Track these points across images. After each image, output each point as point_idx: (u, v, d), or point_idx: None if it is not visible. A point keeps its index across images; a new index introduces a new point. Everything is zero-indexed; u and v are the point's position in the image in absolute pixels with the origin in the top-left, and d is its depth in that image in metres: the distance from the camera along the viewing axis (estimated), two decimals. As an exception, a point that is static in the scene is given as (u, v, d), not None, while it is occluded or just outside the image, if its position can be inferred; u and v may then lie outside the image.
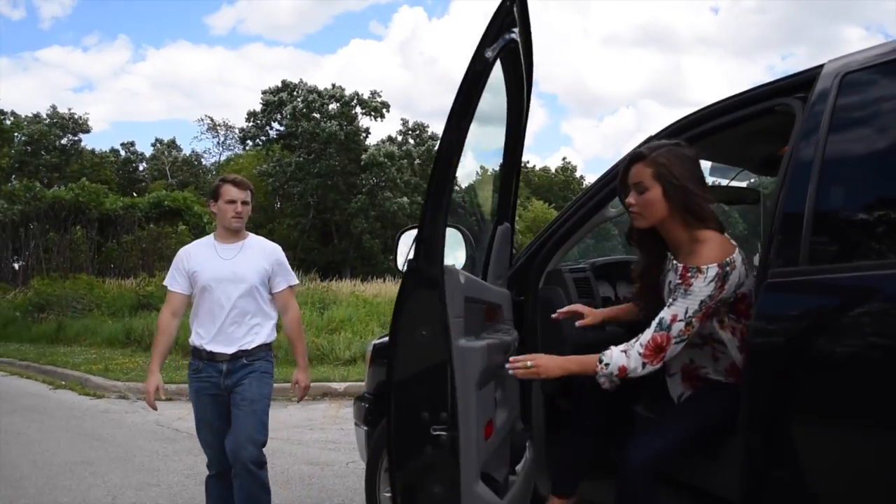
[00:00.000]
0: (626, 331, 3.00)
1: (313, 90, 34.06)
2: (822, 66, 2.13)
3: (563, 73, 76.26)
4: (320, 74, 71.70)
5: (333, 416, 7.34)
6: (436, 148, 2.19)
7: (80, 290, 17.23)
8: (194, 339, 3.34)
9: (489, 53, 2.04)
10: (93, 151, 37.83)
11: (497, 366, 2.32)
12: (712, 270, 2.09)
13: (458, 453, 1.99)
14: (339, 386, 8.61)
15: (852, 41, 67.40)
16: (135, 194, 33.01)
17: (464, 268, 2.95)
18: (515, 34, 2.23)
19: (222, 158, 42.35)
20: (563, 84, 76.98)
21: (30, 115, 35.64)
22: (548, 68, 74.51)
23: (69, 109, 36.67)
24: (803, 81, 2.18)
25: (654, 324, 2.14)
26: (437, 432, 1.96)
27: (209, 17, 73.72)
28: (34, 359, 12.08)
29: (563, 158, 52.96)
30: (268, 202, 34.47)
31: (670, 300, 2.16)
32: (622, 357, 2.15)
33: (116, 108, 66.68)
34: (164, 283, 3.45)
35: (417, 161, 33.93)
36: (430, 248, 2.00)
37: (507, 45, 2.15)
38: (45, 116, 35.84)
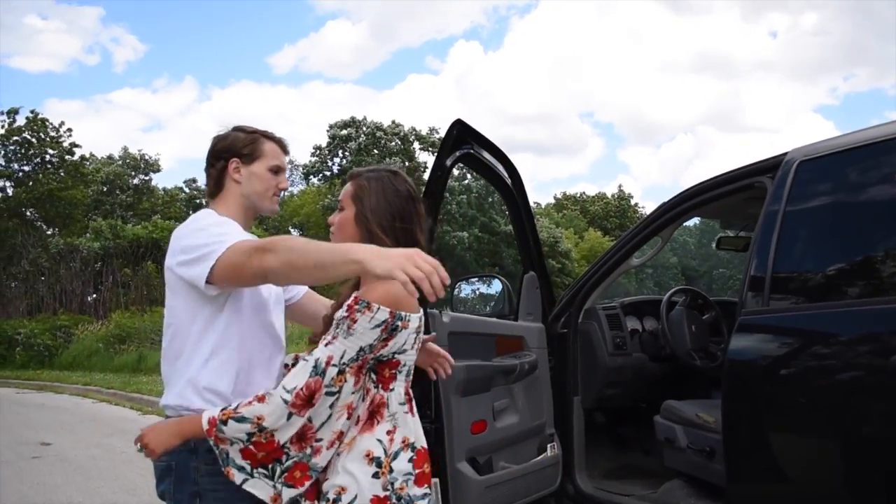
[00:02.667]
0: (650, 357, 3.66)
1: (378, 126, 35.32)
2: (786, 153, 2.76)
3: (620, 101, 76.52)
4: (377, 110, 73.47)
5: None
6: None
7: (158, 323, 18.31)
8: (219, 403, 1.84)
9: (448, 162, 2.94)
10: (164, 190, 39.79)
11: (495, 382, 3.08)
12: (382, 314, 1.71)
13: (443, 441, 2.74)
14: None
15: (917, 59, 65.99)
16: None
17: (503, 308, 3.62)
18: (469, 147, 3.07)
19: (285, 195, 43.80)
20: (620, 112, 77.23)
21: (104, 156, 37.79)
22: (604, 97, 74.96)
23: (139, 150, 38.71)
24: (772, 164, 2.80)
25: (308, 363, 1.71)
26: (425, 424, 2.76)
27: (271, 56, 76.56)
28: (119, 387, 13.07)
29: (619, 186, 53.12)
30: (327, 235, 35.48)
31: (329, 337, 1.74)
32: (258, 407, 1.68)
33: (183, 146, 69.61)
34: (227, 244, 1.80)
35: (475, 194, 34.74)
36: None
37: (464, 155, 3.04)
38: (117, 158, 37.96)
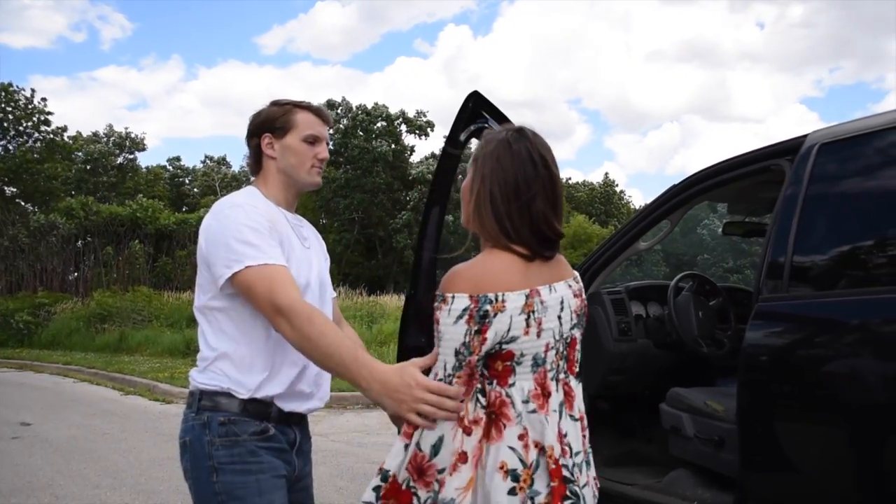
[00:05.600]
0: (655, 344, 3.55)
1: (362, 109, 35.01)
2: (806, 135, 2.66)
3: (607, 88, 76.66)
4: (366, 92, 73.00)
5: (387, 422, 7.87)
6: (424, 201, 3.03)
7: (140, 303, 18.13)
8: (250, 384, 1.82)
9: (462, 136, 2.84)
10: (147, 169, 39.32)
11: None
12: (460, 302, 1.45)
13: None
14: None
15: (900, 53, 66.54)
16: (185, 209, 34.26)
17: None
18: (484, 121, 2.92)
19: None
20: (607, 100, 77.35)
21: (89, 134, 37.25)
22: (591, 84, 74.95)
23: (125, 128, 38.23)
24: (791, 146, 2.71)
25: None
26: None
27: (260, 37, 75.62)
28: (101, 367, 12.87)
29: (606, 174, 53.09)
30: (315, 217, 35.40)
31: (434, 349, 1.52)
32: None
33: (168, 125, 68.93)
34: (253, 261, 1.73)
35: (461, 177, 34.56)
36: (421, 279, 2.77)
37: (480, 130, 2.88)
38: (102, 135, 37.43)
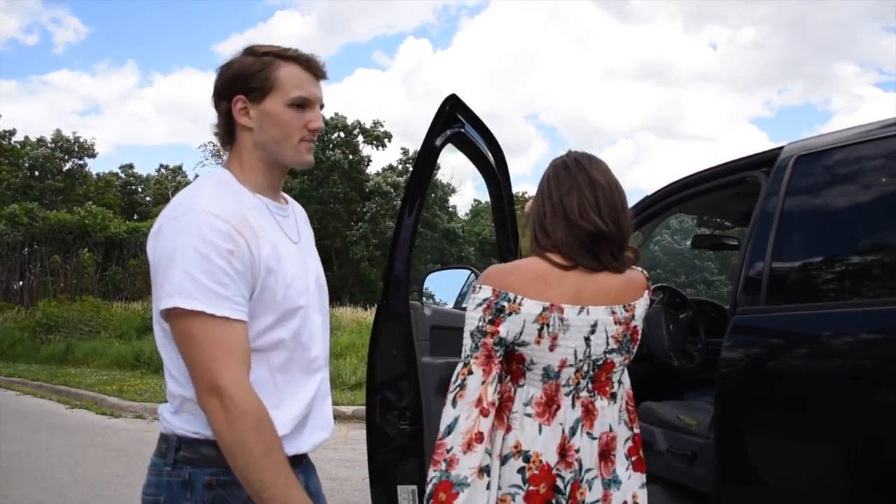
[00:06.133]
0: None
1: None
2: (782, 147, 2.65)
3: (563, 104, 77.31)
4: (325, 104, 72.52)
5: (344, 437, 7.72)
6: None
7: (87, 313, 17.58)
8: None
9: (438, 141, 2.72)
10: (98, 176, 38.35)
11: None
12: (484, 292, 1.56)
13: (422, 443, 2.60)
14: (348, 409, 8.99)
15: (846, 77, 69.03)
16: (136, 217, 33.51)
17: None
18: (461, 127, 2.85)
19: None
20: (563, 115, 78.06)
21: (35, 139, 36.21)
22: (548, 100, 75.64)
23: (73, 133, 37.23)
24: (767, 158, 2.69)
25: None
26: (404, 426, 2.63)
27: (218, 45, 74.23)
28: (46, 379, 12.41)
29: (561, 189, 53.22)
30: (269, 228, 34.90)
31: None
32: None
33: (121, 132, 67.31)
34: (203, 306, 1.30)
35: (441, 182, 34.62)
36: (395, 289, 2.66)
37: (455, 135, 2.82)
38: (49, 140, 36.41)
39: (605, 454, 1.63)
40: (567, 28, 77.64)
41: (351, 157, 34.41)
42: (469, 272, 3.74)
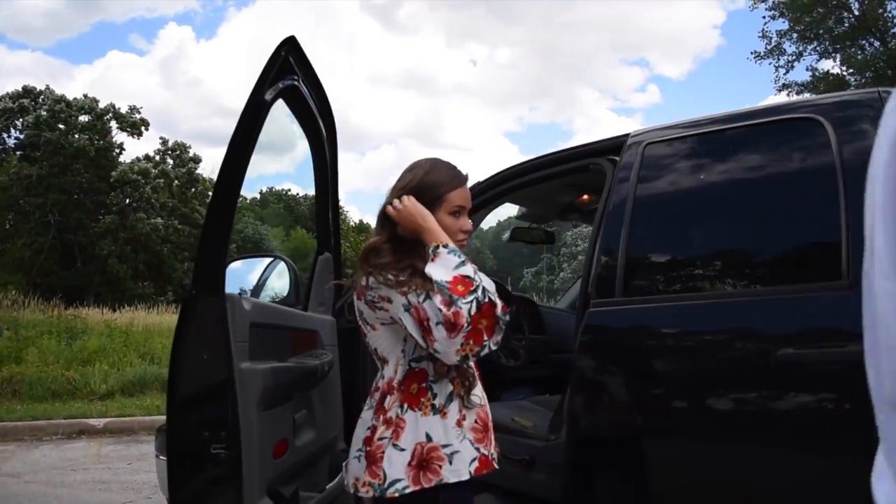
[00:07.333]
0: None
1: (61, 99, 31.13)
2: (627, 134, 2.55)
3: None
4: (73, 84, 65.51)
5: (95, 455, 6.75)
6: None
7: None
8: None
9: (268, 95, 2.20)
10: None
11: (298, 388, 2.45)
12: None
13: (240, 470, 2.07)
14: (98, 422, 7.89)
15: (588, 101, 76.19)
16: None
17: (287, 296, 3.02)
18: (296, 80, 2.42)
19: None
20: (328, 117, 77.67)
21: None
22: (313, 100, 74.70)
23: None
24: (614, 145, 2.58)
25: None
26: (217, 450, 2.05)
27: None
28: None
29: (325, 189, 52.72)
30: (1, 219, 30.81)
31: None
32: None
33: None
34: None
35: (176, 182, 32.21)
36: (209, 277, 2.12)
37: (288, 90, 2.36)
38: None
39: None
40: (335, 31, 77.82)
41: (100, 142, 31.32)
42: (272, 259, 3.28)
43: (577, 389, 2.30)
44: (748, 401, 2.05)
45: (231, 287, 2.24)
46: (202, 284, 2.10)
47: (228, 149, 2.05)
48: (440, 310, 1.60)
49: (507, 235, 3.79)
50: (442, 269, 1.65)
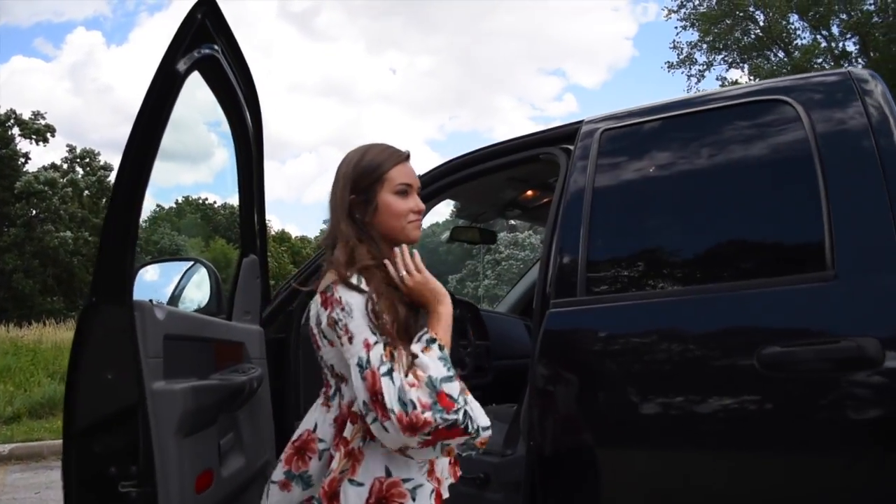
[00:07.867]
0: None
1: (-45, 104, 29.42)
2: (581, 122, 2.37)
3: (247, 114, 75.81)
4: (-30, 88, 62.04)
5: (0, 483, 6.22)
6: (113, 176, 1.99)
7: None
8: None
9: (182, 66, 1.88)
10: None
11: (223, 409, 2.16)
12: None
13: None
14: (3, 448, 7.32)
15: (506, 109, 77.31)
16: None
17: (208, 304, 2.73)
18: (214, 50, 2.10)
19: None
20: (247, 125, 76.47)
21: None
22: (229, 108, 73.45)
23: None
24: (566, 134, 2.40)
25: None
26: (127, 489, 1.76)
27: None
28: None
29: (244, 199, 51.50)
30: None
31: None
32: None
33: None
34: None
35: (87, 192, 30.79)
36: (113, 281, 1.81)
37: (205, 60, 2.04)
38: None
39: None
40: (252, 37, 76.50)
41: (2, 151, 29.67)
42: (191, 264, 2.97)
43: (537, 398, 2.10)
44: (733, 406, 1.88)
45: (141, 295, 1.92)
46: (104, 290, 1.78)
47: (134, 127, 1.74)
48: (407, 405, 1.35)
49: (446, 236, 3.58)
50: (433, 367, 1.42)
